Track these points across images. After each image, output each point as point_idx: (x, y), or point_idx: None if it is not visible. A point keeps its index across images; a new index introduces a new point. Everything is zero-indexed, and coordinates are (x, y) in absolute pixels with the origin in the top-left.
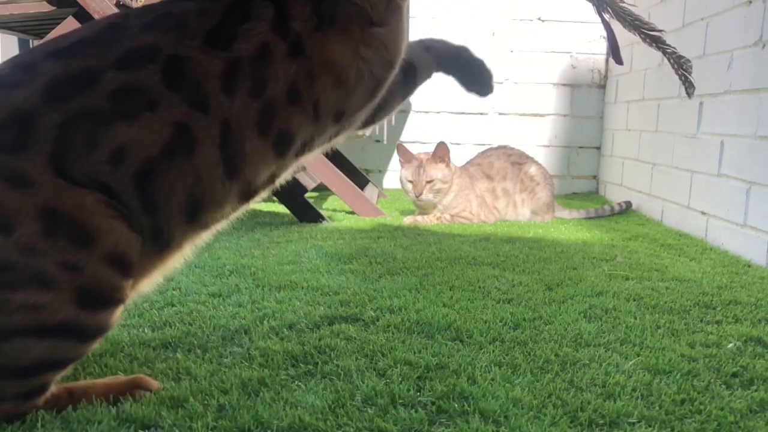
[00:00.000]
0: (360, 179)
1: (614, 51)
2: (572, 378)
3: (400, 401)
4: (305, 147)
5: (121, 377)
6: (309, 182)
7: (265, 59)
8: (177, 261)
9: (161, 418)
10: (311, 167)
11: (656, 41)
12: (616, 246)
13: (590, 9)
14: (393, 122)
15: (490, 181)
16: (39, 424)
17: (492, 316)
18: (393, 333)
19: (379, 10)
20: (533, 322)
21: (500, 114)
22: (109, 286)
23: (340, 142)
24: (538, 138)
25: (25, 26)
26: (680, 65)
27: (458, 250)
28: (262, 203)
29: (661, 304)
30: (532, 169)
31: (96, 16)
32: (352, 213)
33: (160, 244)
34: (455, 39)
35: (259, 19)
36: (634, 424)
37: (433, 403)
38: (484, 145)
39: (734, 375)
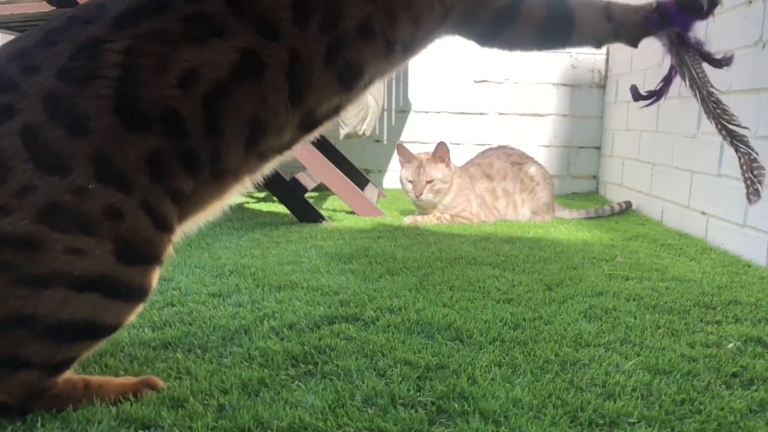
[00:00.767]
0: (360, 179)
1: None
2: (572, 378)
3: (400, 401)
4: (372, 80)
5: (132, 377)
6: (309, 182)
7: None
8: (234, 194)
9: (161, 418)
10: (311, 167)
11: (736, 138)
12: (616, 246)
13: None
14: (393, 122)
15: (490, 181)
16: (39, 424)
17: (492, 316)
18: (393, 333)
19: None
20: (533, 322)
21: (500, 114)
22: (147, 238)
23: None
24: (538, 138)
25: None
26: (751, 169)
27: (458, 250)
28: (262, 203)
29: (661, 304)
30: (532, 169)
31: None
32: (352, 213)
33: (216, 173)
34: (454, 39)
35: None
36: (634, 424)
37: (433, 403)
38: (484, 145)
39: (734, 375)
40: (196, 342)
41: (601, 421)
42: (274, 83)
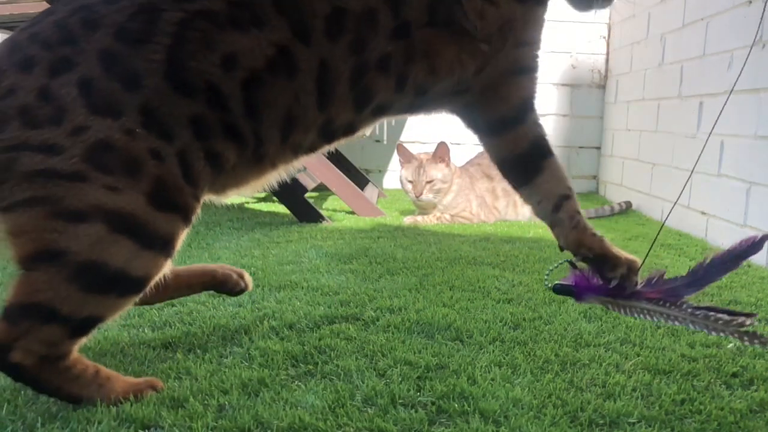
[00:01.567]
0: (360, 179)
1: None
2: (572, 378)
3: (400, 401)
4: (382, 110)
5: (136, 378)
6: (309, 182)
7: (369, 24)
8: (270, 179)
9: (161, 418)
10: (311, 167)
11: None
12: (616, 246)
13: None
14: (393, 122)
15: (490, 181)
16: (39, 424)
17: (492, 316)
18: (393, 333)
19: (488, 30)
20: (533, 322)
21: None
22: (177, 185)
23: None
24: None
25: None
26: (754, 338)
27: (458, 250)
28: (262, 203)
29: None
30: None
31: None
32: (352, 213)
33: (257, 156)
34: None
35: None
36: (634, 424)
37: (433, 403)
38: None
39: (734, 375)
40: (196, 342)
41: (601, 421)
42: (305, 86)
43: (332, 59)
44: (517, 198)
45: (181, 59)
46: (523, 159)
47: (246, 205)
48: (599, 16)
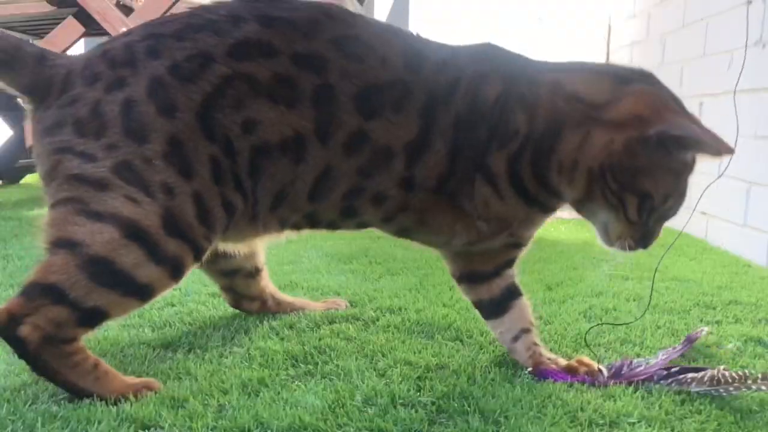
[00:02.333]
0: None
1: None
2: None
3: (400, 401)
4: (366, 226)
5: (133, 378)
6: None
7: (383, 161)
8: (262, 242)
9: (161, 418)
10: None
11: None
12: None
13: (590, 9)
14: None
15: None
16: (39, 424)
17: None
18: (393, 333)
19: (488, 216)
20: None
21: None
22: (188, 222)
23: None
24: None
25: (25, 26)
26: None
27: None
28: None
29: (661, 304)
30: None
31: (96, 17)
32: None
33: (253, 214)
34: (454, 40)
35: (400, 125)
36: (634, 424)
37: (433, 403)
38: None
39: None
40: (196, 342)
41: (601, 421)
42: (305, 176)
43: (338, 169)
44: None
45: (212, 107)
46: (494, 302)
47: None
48: (599, 16)
